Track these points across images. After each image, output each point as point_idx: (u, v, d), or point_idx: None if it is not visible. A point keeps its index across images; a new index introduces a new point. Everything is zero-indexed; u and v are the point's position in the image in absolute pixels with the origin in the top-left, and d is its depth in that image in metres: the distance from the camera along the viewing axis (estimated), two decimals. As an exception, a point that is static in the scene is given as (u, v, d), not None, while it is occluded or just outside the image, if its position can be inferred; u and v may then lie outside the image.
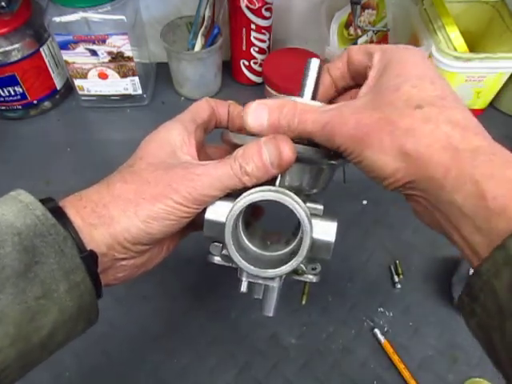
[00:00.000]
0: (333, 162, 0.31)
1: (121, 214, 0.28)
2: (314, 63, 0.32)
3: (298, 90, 0.41)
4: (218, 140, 0.36)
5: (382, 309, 0.50)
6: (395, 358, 0.46)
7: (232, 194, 0.31)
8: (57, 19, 0.58)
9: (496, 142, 0.25)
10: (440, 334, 0.48)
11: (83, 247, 0.27)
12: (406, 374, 0.45)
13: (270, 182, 0.31)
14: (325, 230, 0.30)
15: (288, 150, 0.28)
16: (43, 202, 0.27)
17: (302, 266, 0.31)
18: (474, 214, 0.23)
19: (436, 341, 0.48)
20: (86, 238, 0.27)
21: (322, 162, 0.31)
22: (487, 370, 0.46)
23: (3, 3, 0.59)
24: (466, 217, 0.23)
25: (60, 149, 0.66)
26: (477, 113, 0.69)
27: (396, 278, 0.52)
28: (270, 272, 0.29)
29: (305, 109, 0.29)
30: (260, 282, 0.31)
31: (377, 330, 0.48)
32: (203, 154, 0.36)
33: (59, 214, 0.27)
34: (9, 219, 0.25)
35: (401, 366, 0.46)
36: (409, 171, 0.25)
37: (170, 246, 0.34)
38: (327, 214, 0.32)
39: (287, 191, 0.29)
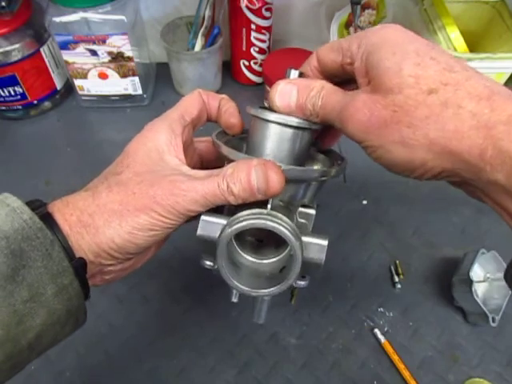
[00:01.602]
0: (324, 178, 0.31)
1: (106, 225, 0.28)
2: (294, 73, 0.32)
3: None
4: (208, 132, 0.36)
5: (382, 309, 0.50)
6: (395, 358, 0.46)
7: (223, 209, 0.31)
8: (57, 19, 0.58)
9: None
10: (440, 334, 0.48)
11: (72, 253, 0.27)
12: (406, 374, 0.45)
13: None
14: (315, 251, 0.30)
15: (276, 181, 0.28)
16: (31, 204, 0.27)
17: (292, 284, 0.31)
18: None
19: (436, 341, 0.48)
20: (75, 246, 0.27)
21: (313, 180, 0.31)
22: (487, 370, 0.46)
23: (3, 3, 0.59)
24: (510, 194, 0.22)
25: (60, 149, 0.66)
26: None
27: (396, 278, 0.52)
28: (261, 292, 0.30)
29: (328, 91, 0.28)
30: (252, 294, 0.31)
31: (377, 330, 0.48)
32: (191, 151, 0.36)
33: (47, 219, 0.27)
34: None
35: (401, 366, 0.45)
36: (439, 161, 0.24)
37: (157, 248, 0.34)
38: (319, 220, 0.32)
39: (278, 215, 0.29)
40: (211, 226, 0.30)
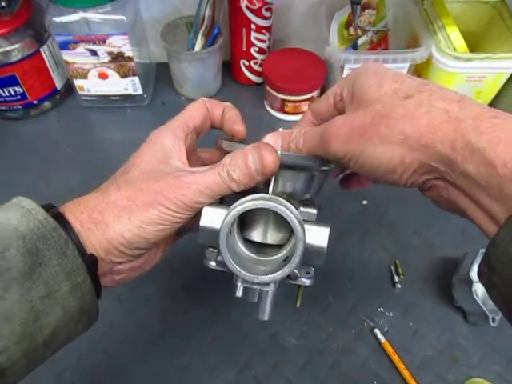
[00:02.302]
0: (324, 168, 0.32)
1: (115, 220, 0.29)
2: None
3: (298, 90, 0.40)
4: (212, 143, 0.37)
5: (382, 309, 0.50)
6: (395, 358, 0.46)
7: (225, 201, 0.31)
8: (57, 19, 0.58)
9: (494, 108, 0.25)
10: (440, 334, 0.48)
11: (84, 250, 0.28)
12: (406, 374, 0.45)
13: (264, 188, 0.32)
14: (318, 236, 0.30)
15: (270, 159, 0.29)
16: (44, 207, 0.28)
17: (295, 271, 0.31)
18: (488, 182, 0.23)
19: (436, 341, 0.48)
20: (86, 243, 0.28)
21: (313, 167, 0.32)
22: (487, 370, 0.46)
23: (3, 3, 0.59)
24: (481, 187, 0.23)
25: (60, 149, 0.66)
26: (477, 113, 0.69)
27: (396, 278, 0.52)
28: (264, 278, 0.30)
29: (307, 129, 0.32)
30: (255, 287, 0.31)
31: (377, 330, 0.48)
32: (195, 157, 0.37)
33: (60, 219, 0.28)
34: (13, 223, 0.26)
35: (401, 366, 0.46)
36: (415, 154, 0.25)
37: (166, 248, 0.35)
38: (321, 220, 0.32)
39: (280, 198, 0.29)
40: (213, 216, 0.31)
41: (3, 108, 0.67)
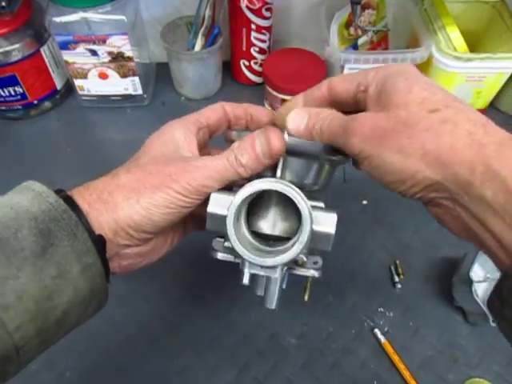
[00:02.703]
0: (332, 157, 0.32)
1: (124, 201, 0.29)
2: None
3: (298, 90, 0.40)
4: (223, 144, 0.37)
5: (382, 309, 0.50)
6: (395, 358, 0.46)
7: (233, 189, 0.31)
8: (57, 19, 0.58)
9: None
10: (440, 334, 0.48)
11: (92, 232, 0.28)
12: (406, 374, 0.45)
13: (272, 177, 0.32)
14: (325, 221, 0.30)
15: (277, 141, 0.30)
16: (54, 191, 0.28)
17: (302, 256, 0.31)
18: (505, 210, 0.22)
19: (436, 341, 0.48)
20: (94, 224, 0.28)
21: (320, 155, 0.32)
22: (487, 370, 0.46)
23: (3, 3, 0.59)
24: (497, 213, 0.23)
25: (60, 149, 0.66)
26: (477, 113, 0.69)
27: (396, 278, 0.52)
28: (272, 260, 0.30)
29: (336, 115, 0.31)
30: (262, 273, 0.31)
31: (377, 330, 0.48)
32: (205, 154, 0.37)
33: (69, 202, 0.28)
34: (24, 205, 0.27)
35: (401, 366, 0.46)
36: (431, 172, 0.25)
37: (173, 240, 0.36)
38: (327, 207, 0.32)
39: (287, 182, 0.30)
40: (221, 202, 0.31)
41: (3, 108, 0.67)
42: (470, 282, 0.46)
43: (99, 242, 0.28)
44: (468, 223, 0.25)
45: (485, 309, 0.46)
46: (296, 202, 0.29)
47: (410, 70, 0.29)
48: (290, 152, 0.31)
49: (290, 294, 0.50)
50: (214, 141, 0.38)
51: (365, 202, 0.59)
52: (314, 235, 0.30)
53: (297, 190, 0.29)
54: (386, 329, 0.49)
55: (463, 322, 0.49)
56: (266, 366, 0.46)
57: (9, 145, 0.66)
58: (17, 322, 0.24)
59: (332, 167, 0.34)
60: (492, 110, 0.70)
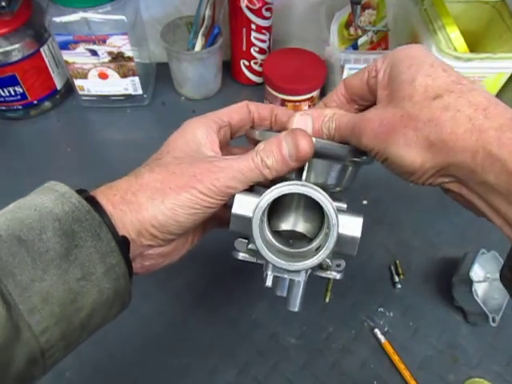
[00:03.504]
0: (356, 159, 0.32)
1: (149, 202, 0.29)
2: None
3: (298, 90, 0.40)
4: (245, 143, 0.37)
5: (382, 309, 0.50)
6: (395, 358, 0.46)
7: (257, 190, 0.32)
8: (57, 19, 0.58)
9: None
10: (440, 334, 0.48)
11: (116, 232, 0.28)
12: (406, 374, 0.45)
13: (296, 179, 0.32)
14: (351, 225, 0.30)
15: (305, 144, 0.30)
16: (76, 191, 0.28)
17: (328, 260, 0.31)
18: (507, 190, 0.23)
19: (436, 341, 0.48)
20: (118, 225, 0.28)
21: (345, 158, 0.32)
22: (487, 370, 0.46)
23: (3, 3, 0.58)
24: (501, 195, 0.24)
25: (60, 149, 0.66)
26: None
27: (396, 278, 0.52)
28: (298, 265, 0.30)
29: (340, 114, 0.31)
30: (285, 276, 0.31)
31: (377, 330, 0.48)
32: (226, 152, 0.37)
33: (92, 202, 0.28)
34: (48, 206, 0.26)
35: (401, 366, 0.46)
36: (436, 161, 0.26)
37: (194, 239, 0.36)
38: (352, 211, 0.32)
39: (314, 186, 0.29)
40: (245, 203, 0.31)
41: (3, 108, 0.67)
42: (470, 282, 0.46)
43: (123, 243, 0.28)
44: (476, 204, 0.26)
45: (485, 309, 0.46)
46: (324, 206, 0.29)
47: (415, 54, 0.29)
48: (316, 154, 0.31)
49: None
50: (235, 140, 0.38)
51: (365, 202, 0.59)
52: (340, 239, 0.30)
53: (323, 193, 0.29)
54: (386, 329, 0.49)
55: (463, 322, 0.49)
56: (266, 366, 0.46)
57: (9, 145, 0.66)
58: (43, 326, 0.24)
59: (356, 168, 0.34)
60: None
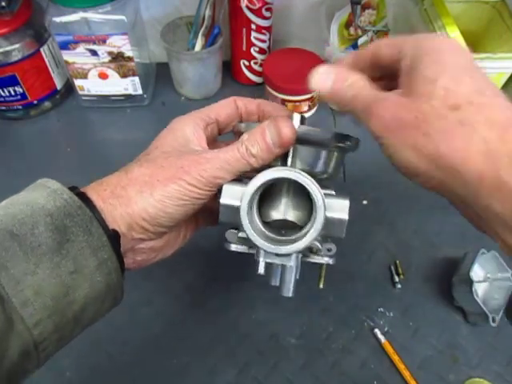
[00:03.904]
0: (340, 144, 0.32)
1: (138, 195, 0.29)
2: (296, 117, 0.33)
3: (298, 90, 0.40)
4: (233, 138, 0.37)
5: (382, 309, 0.50)
6: (395, 358, 0.46)
7: (244, 182, 0.32)
8: (57, 19, 0.58)
9: None
10: (440, 334, 0.48)
11: (107, 227, 0.28)
12: (406, 374, 0.45)
13: (282, 166, 0.32)
14: (338, 207, 0.31)
15: (287, 130, 0.30)
16: (68, 189, 0.29)
17: (317, 243, 0.31)
18: None
19: (436, 341, 0.48)
20: (108, 219, 0.29)
21: (329, 143, 0.32)
22: (487, 370, 0.46)
23: (3, 3, 0.58)
24: (505, 224, 0.23)
25: (60, 149, 0.66)
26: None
27: (396, 278, 0.52)
28: (287, 248, 0.30)
29: (361, 86, 0.29)
30: (277, 261, 0.32)
31: (377, 330, 0.48)
32: (215, 148, 0.37)
33: (83, 198, 0.28)
34: (40, 202, 0.27)
35: (401, 366, 0.45)
36: (441, 174, 0.25)
37: (186, 234, 0.36)
38: (339, 194, 0.32)
39: (299, 170, 0.30)
40: (233, 192, 0.31)
41: (3, 108, 0.67)
42: (470, 282, 0.46)
43: (114, 238, 0.28)
44: (479, 222, 0.26)
45: (485, 309, 0.46)
46: (309, 188, 0.29)
47: (445, 49, 0.27)
48: (300, 141, 0.31)
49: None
50: (223, 136, 0.38)
51: (365, 202, 0.59)
52: (328, 222, 0.30)
53: (309, 177, 0.30)
54: (386, 329, 0.49)
55: (463, 322, 0.49)
56: (266, 366, 0.46)
57: (9, 145, 0.66)
58: (36, 318, 0.25)
59: (341, 154, 0.34)
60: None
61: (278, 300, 0.50)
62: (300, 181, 0.29)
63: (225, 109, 0.36)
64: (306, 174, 0.30)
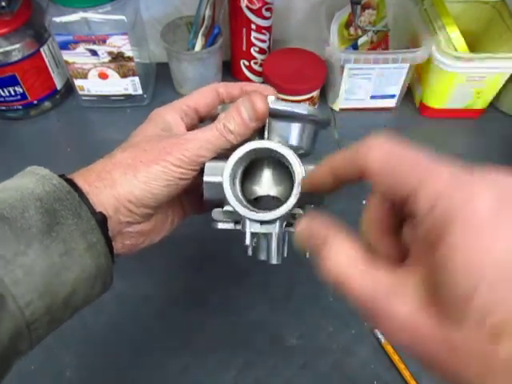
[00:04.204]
0: (313, 117, 0.34)
1: (122, 177, 0.30)
2: (270, 97, 0.34)
3: (298, 90, 0.40)
4: None
5: (382, 309, 0.50)
6: (395, 358, 0.46)
7: (225, 160, 0.33)
8: (57, 19, 0.58)
9: None
10: (440, 334, 0.48)
11: (95, 212, 0.29)
12: (407, 373, 0.45)
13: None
14: None
15: (260, 104, 0.32)
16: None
17: (299, 210, 0.32)
18: None
19: (436, 341, 0.48)
20: (95, 202, 0.29)
21: (302, 116, 0.34)
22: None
23: (3, 3, 0.59)
24: None
25: (60, 149, 0.66)
26: (477, 113, 0.69)
27: (396, 278, 0.52)
28: (270, 214, 0.31)
29: (339, 253, 0.23)
30: (262, 230, 0.32)
31: (377, 330, 0.48)
32: None
33: (70, 184, 0.29)
34: (29, 187, 0.28)
35: (401, 366, 0.45)
36: None
37: (173, 220, 0.37)
38: (315, 161, 0.33)
39: (276, 141, 0.32)
40: (215, 170, 0.32)
41: (3, 108, 0.67)
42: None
43: (102, 222, 0.29)
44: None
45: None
46: (285, 155, 0.31)
47: (484, 217, 0.17)
48: (274, 115, 0.33)
49: (291, 294, 0.51)
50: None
51: (365, 202, 0.59)
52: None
53: (283, 145, 0.31)
54: (386, 329, 0.49)
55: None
56: (266, 367, 0.46)
57: (9, 145, 0.66)
58: (27, 298, 0.25)
59: (314, 126, 0.36)
60: (492, 109, 0.70)
61: (278, 300, 0.50)
62: (276, 148, 0.31)
63: (204, 97, 0.37)
64: (280, 143, 0.32)
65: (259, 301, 0.50)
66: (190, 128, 0.37)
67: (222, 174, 0.31)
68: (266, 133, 0.34)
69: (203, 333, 0.48)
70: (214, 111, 0.37)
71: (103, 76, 0.66)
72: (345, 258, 0.21)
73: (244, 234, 0.32)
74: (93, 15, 0.59)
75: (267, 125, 0.34)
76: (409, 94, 0.71)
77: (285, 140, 0.34)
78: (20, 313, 0.25)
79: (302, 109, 0.33)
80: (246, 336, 0.48)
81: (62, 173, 0.31)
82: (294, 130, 0.34)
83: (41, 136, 0.67)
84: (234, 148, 0.32)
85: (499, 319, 0.16)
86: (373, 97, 0.68)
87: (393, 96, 0.69)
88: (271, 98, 0.33)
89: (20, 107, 0.67)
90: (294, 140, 0.34)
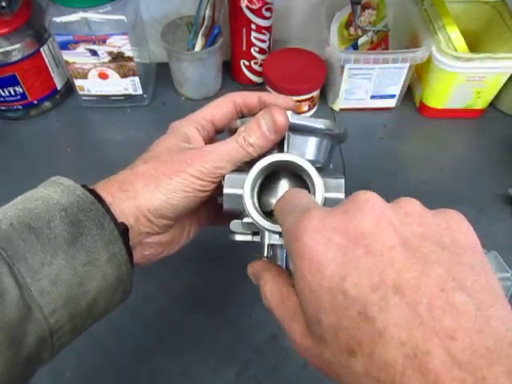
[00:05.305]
0: (329, 132, 0.34)
1: (144, 188, 0.31)
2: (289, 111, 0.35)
3: (298, 90, 0.40)
4: None
5: (382, 309, 0.50)
6: (395, 358, 0.46)
7: (245, 172, 0.33)
8: (57, 19, 0.58)
9: None
10: (440, 334, 0.48)
11: (116, 221, 0.29)
12: (406, 374, 0.45)
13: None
14: (334, 187, 0.32)
15: (280, 117, 0.32)
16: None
17: None
18: None
19: (436, 341, 0.48)
20: (117, 213, 0.30)
21: (321, 131, 0.34)
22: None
23: (3, 3, 0.59)
24: None
25: (60, 149, 0.66)
26: (477, 113, 0.69)
27: (396, 278, 0.52)
28: None
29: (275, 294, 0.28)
30: (281, 242, 0.32)
31: (377, 330, 0.48)
32: None
33: (94, 194, 0.30)
34: (55, 198, 0.28)
35: (401, 366, 0.45)
36: None
37: (189, 231, 0.37)
38: (334, 175, 0.33)
39: (296, 154, 0.32)
40: (236, 181, 0.33)
41: (3, 108, 0.67)
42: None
43: (123, 233, 0.30)
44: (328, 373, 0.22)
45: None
46: (307, 168, 0.31)
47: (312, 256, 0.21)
48: (294, 129, 0.33)
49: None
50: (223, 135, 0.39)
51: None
52: (326, 202, 0.31)
53: (304, 159, 0.32)
54: (386, 329, 0.48)
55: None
56: (266, 366, 0.46)
57: (9, 145, 0.66)
58: (52, 307, 0.26)
59: (330, 141, 0.36)
60: (492, 110, 0.70)
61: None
62: (297, 161, 0.31)
63: (220, 108, 0.37)
64: (301, 157, 0.32)
65: (259, 301, 0.50)
66: (207, 140, 0.37)
67: (242, 186, 0.32)
68: (285, 146, 0.34)
69: (203, 332, 0.48)
70: (232, 123, 0.37)
71: (103, 76, 0.66)
72: (270, 289, 0.28)
73: (263, 245, 0.33)
74: (93, 15, 0.59)
75: (287, 137, 0.34)
76: (409, 93, 0.71)
77: (302, 154, 0.34)
78: (45, 321, 0.25)
79: (320, 123, 0.34)
80: (245, 336, 0.48)
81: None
82: (312, 144, 0.35)
83: (41, 136, 0.67)
84: (253, 161, 0.33)
85: (347, 338, 0.19)
86: (373, 97, 0.68)
87: (393, 96, 0.69)
88: (289, 113, 0.33)
89: (20, 107, 0.68)
90: (311, 154, 0.35)
